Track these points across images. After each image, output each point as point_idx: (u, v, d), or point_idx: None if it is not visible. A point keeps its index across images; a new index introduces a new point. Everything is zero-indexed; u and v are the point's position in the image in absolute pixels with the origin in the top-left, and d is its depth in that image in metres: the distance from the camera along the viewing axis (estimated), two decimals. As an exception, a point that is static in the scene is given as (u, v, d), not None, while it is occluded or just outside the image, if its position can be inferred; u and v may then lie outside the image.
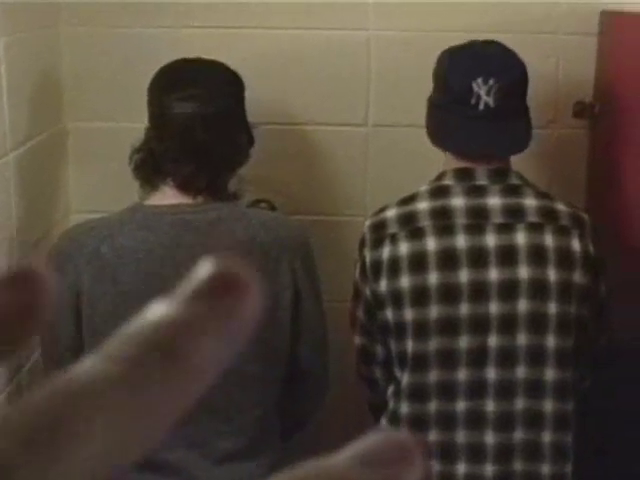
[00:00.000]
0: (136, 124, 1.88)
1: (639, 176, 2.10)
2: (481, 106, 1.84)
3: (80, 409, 0.23)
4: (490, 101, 1.84)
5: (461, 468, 1.87)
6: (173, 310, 0.25)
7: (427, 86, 1.98)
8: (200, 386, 0.25)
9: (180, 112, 1.78)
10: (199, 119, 1.78)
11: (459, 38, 1.99)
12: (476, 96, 1.84)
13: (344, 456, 0.24)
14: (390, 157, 2.46)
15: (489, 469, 1.87)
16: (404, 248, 1.85)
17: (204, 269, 0.26)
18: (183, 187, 1.80)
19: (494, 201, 1.86)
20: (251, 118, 1.94)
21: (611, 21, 2.29)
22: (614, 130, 2.24)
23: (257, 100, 2.24)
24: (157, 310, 0.25)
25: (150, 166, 1.82)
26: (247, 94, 1.94)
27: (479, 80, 1.84)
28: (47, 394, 0.24)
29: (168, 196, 1.82)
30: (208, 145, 1.79)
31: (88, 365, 0.24)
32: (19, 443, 0.23)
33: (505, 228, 1.85)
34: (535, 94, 1.93)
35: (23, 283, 0.25)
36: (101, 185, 2.43)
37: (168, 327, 0.25)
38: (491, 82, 1.84)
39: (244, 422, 1.81)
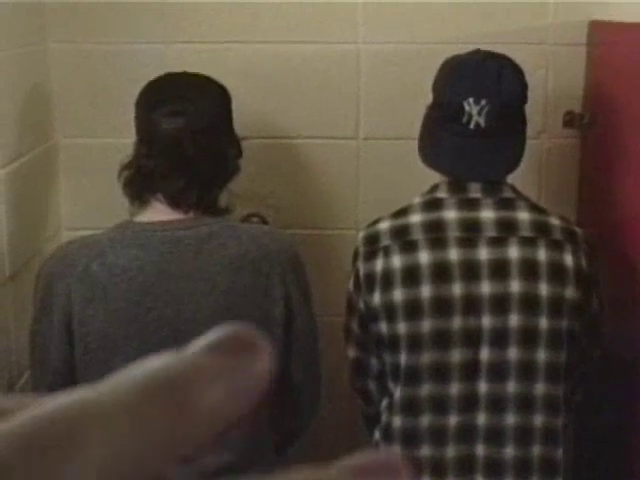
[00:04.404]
0: (126, 140, 1.88)
1: (630, 185, 2.11)
2: (472, 125, 1.83)
3: (80, 428, 0.24)
4: (481, 121, 1.83)
5: None
6: (186, 357, 0.26)
7: (417, 98, 1.98)
8: (204, 432, 0.25)
9: (168, 127, 1.78)
10: (188, 134, 1.77)
11: (448, 50, 1.98)
12: (467, 115, 1.83)
13: (336, 468, 0.25)
14: (381, 170, 2.46)
15: None
16: (397, 261, 1.85)
17: (220, 330, 0.26)
18: (173, 203, 1.80)
19: (487, 214, 1.86)
20: (242, 132, 1.93)
21: (600, 31, 2.29)
22: (604, 140, 2.24)
23: (248, 114, 2.24)
24: (170, 355, 0.26)
25: (139, 182, 1.81)
26: (238, 108, 1.93)
27: (470, 100, 1.83)
28: (51, 411, 0.24)
29: (158, 212, 1.81)
30: (197, 160, 1.78)
31: (95, 391, 0.25)
32: (18, 449, 0.23)
33: (498, 242, 1.84)
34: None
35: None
36: (92, 201, 2.43)
37: (180, 370, 0.25)
38: (483, 102, 1.83)
39: (234, 436, 1.79)
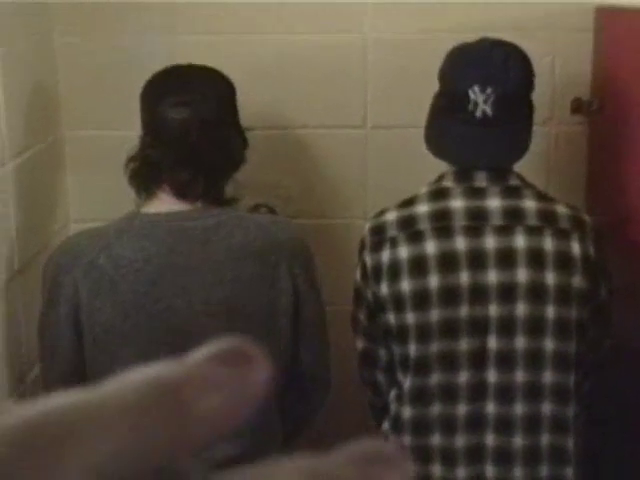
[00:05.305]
0: (133, 132, 1.88)
1: (638, 171, 2.10)
2: (478, 113, 1.83)
3: (75, 429, 0.24)
4: (487, 109, 1.82)
5: (461, 471, 1.87)
6: (185, 365, 0.26)
7: (425, 86, 1.98)
8: (200, 436, 0.26)
9: (174, 118, 1.78)
10: (193, 125, 1.77)
11: (455, 38, 1.98)
12: (473, 103, 1.82)
13: (335, 455, 0.26)
14: (389, 158, 2.46)
15: (489, 472, 1.87)
16: (404, 251, 1.84)
17: (219, 342, 0.27)
18: (180, 194, 1.80)
19: (494, 203, 1.86)
20: (249, 123, 1.93)
21: (606, 17, 2.28)
22: (613, 126, 2.23)
23: (255, 105, 2.24)
24: (170, 363, 0.26)
25: (146, 174, 1.81)
26: (245, 99, 1.93)
27: (476, 88, 1.82)
28: (47, 411, 0.25)
29: (165, 203, 1.81)
30: (203, 150, 1.78)
31: (93, 393, 0.25)
32: (11, 446, 0.24)
33: (504, 230, 1.84)
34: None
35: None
36: (100, 193, 2.43)
37: (178, 377, 0.26)
38: (489, 91, 1.82)
39: (244, 426, 1.80)
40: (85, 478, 0.24)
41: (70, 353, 1.79)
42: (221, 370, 0.26)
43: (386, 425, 1.94)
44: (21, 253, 2.09)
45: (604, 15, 2.29)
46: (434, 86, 1.94)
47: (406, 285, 1.84)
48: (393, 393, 1.93)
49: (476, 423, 1.86)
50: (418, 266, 1.83)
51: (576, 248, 1.84)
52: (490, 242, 1.83)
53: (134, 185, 1.84)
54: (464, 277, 1.82)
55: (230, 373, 0.26)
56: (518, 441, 1.86)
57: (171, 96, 1.80)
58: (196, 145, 1.77)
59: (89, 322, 1.76)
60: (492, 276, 1.82)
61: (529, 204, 1.86)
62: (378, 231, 1.89)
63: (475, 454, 1.87)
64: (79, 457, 0.24)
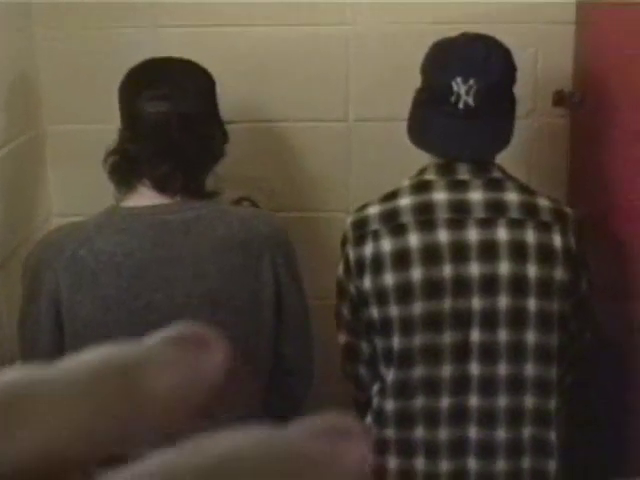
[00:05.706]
0: (115, 126, 1.87)
1: (619, 163, 2.10)
2: (461, 105, 1.83)
3: (27, 403, 0.24)
4: (470, 100, 1.82)
5: (444, 465, 1.87)
6: (141, 346, 0.27)
7: (407, 79, 1.97)
8: (154, 416, 0.26)
9: (153, 111, 1.77)
10: (172, 118, 1.77)
11: (437, 31, 1.98)
12: (456, 95, 1.83)
13: (292, 428, 0.26)
14: (372, 151, 2.45)
15: (472, 465, 1.87)
16: (387, 245, 1.84)
17: (177, 326, 0.27)
18: (159, 187, 1.79)
19: (476, 196, 1.86)
20: (231, 116, 1.93)
21: (588, 10, 2.28)
22: (594, 118, 2.23)
23: (237, 98, 2.23)
24: (124, 344, 0.27)
25: (125, 168, 1.81)
26: (226, 92, 1.93)
27: (458, 79, 1.82)
28: (10, 381, 0.25)
29: (145, 197, 1.80)
30: (182, 144, 1.77)
31: (46, 369, 0.26)
32: None
33: (486, 223, 1.84)
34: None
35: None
36: (82, 187, 2.42)
37: (133, 357, 0.26)
38: (471, 82, 1.82)
39: (228, 421, 1.80)
40: (31, 454, 0.24)
41: (50, 347, 1.78)
42: (175, 352, 0.26)
43: (369, 418, 1.94)
44: (2, 247, 2.08)
45: (586, 8, 2.29)
46: (417, 79, 1.94)
47: (389, 278, 1.84)
48: (376, 387, 1.93)
49: (459, 416, 1.86)
50: (401, 259, 1.83)
51: (558, 241, 1.84)
52: (473, 235, 1.83)
53: (114, 179, 1.83)
54: (447, 270, 1.82)
55: (184, 355, 0.26)
56: (501, 434, 1.86)
57: (149, 90, 1.79)
58: (175, 139, 1.77)
59: (69, 316, 1.75)
60: (474, 269, 1.82)
61: (511, 197, 1.86)
62: (360, 225, 1.88)
63: (458, 447, 1.87)
64: (26, 433, 0.24)
